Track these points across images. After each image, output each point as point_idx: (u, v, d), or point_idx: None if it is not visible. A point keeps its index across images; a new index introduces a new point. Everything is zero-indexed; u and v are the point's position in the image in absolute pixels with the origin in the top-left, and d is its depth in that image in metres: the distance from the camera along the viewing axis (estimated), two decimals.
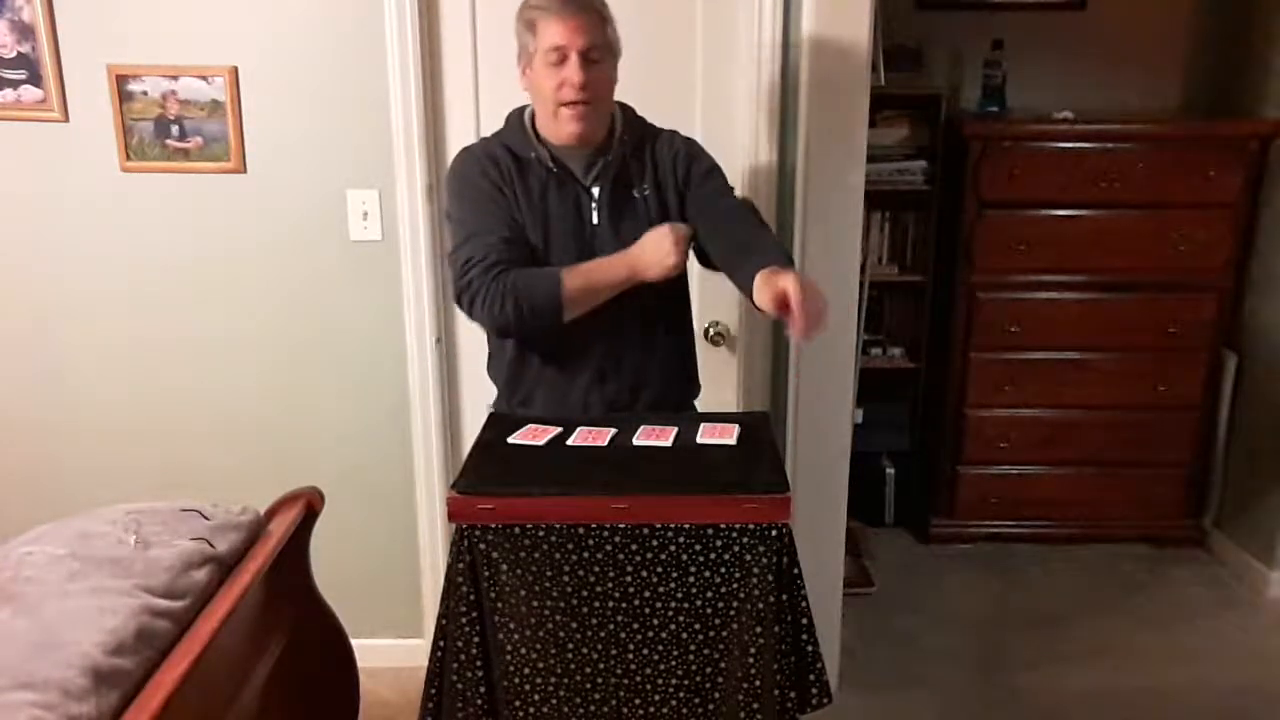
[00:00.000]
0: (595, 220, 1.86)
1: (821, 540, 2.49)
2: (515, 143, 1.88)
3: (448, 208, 1.92)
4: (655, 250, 1.77)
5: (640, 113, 1.96)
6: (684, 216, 1.89)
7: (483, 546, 1.52)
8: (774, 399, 2.54)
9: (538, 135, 1.87)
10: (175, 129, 2.37)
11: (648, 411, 1.88)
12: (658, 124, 1.97)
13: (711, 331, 2.49)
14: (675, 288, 1.92)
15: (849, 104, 2.30)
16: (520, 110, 1.92)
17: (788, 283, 1.54)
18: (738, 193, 2.03)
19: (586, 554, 1.51)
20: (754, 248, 1.79)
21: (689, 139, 1.98)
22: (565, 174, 1.86)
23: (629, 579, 1.52)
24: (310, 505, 1.96)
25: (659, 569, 1.51)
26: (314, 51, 2.34)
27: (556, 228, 1.85)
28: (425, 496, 2.62)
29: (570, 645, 1.55)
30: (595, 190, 1.87)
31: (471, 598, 1.53)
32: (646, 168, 1.90)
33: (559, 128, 1.82)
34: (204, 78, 2.34)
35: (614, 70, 1.85)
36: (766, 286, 1.60)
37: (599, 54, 1.77)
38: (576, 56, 1.74)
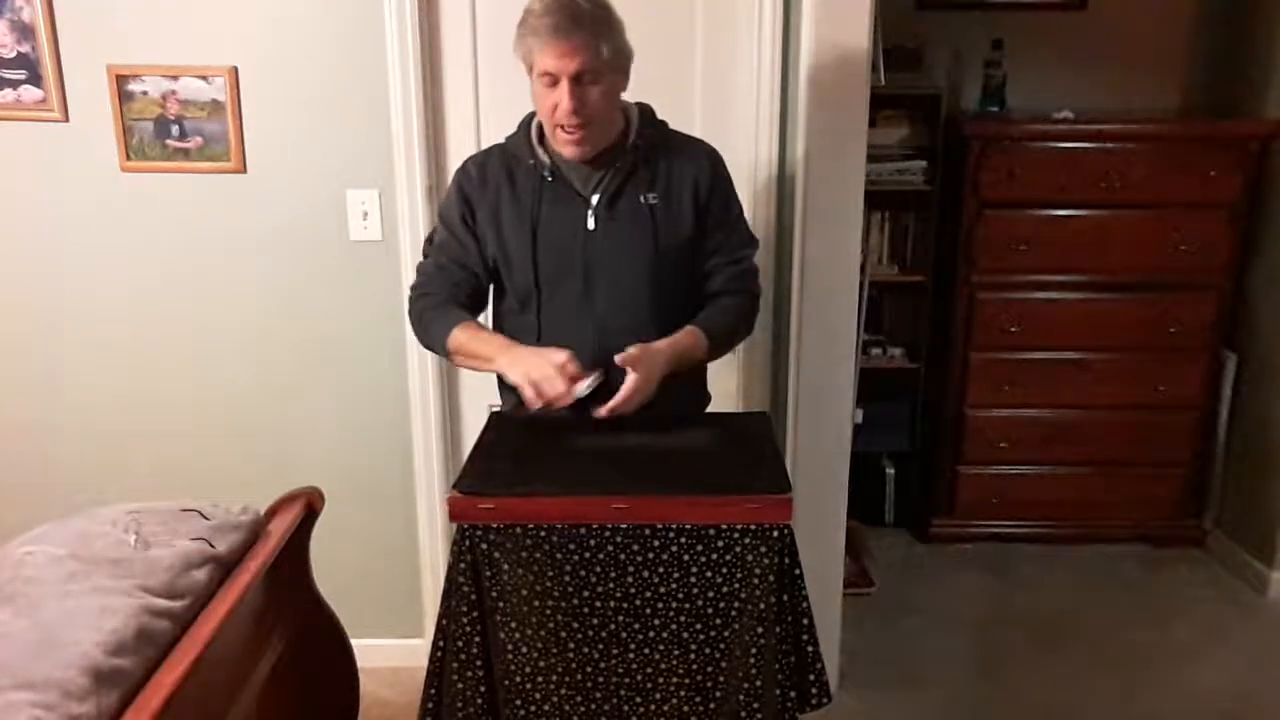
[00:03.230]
0: (591, 226, 1.83)
1: (821, 540, 2.49)
2: (516, 149, 1.87)
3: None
4: (522, 374, 1.67)
5: None
6: (696, 233, 1.87)
7: (484, 546, 1.52)
8: (774, 399, 2.54)
9: (542, 140, 1.85)
10: (175, 129, 2.37)
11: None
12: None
13: None
14: (669, 305, 1.86)
15: (849, 104, 2.30)
16: (531, 114, 1.89)
17: (630, 371, 1.67)
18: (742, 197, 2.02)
19: (587, 554, 1.51)
20: (701, 314, 1.88)
21: (715, 158, 1.92)
22: (562, 183, 1.84)
23: (630, 579, 1.52)
24: (310, 505, 1.96)
25: (660, 569, 1.51)
26: (314, 51, 2.34)
27: (547, 233, 1.83)
28: (425, 496, 2.62)
29: (571, 645, 1.55)
30: (594, 198, 1.83)
31: (472, 598, 1.53)
32: (659, 175, 1.85)
33: (557, 145, 1.80)
34: (204, 78, 2.34)
35: (617, 83, 1.79)
36: (632, 352, 1.69)
37: (592, 76, 1.71)
38: (567, 82, 1.69)
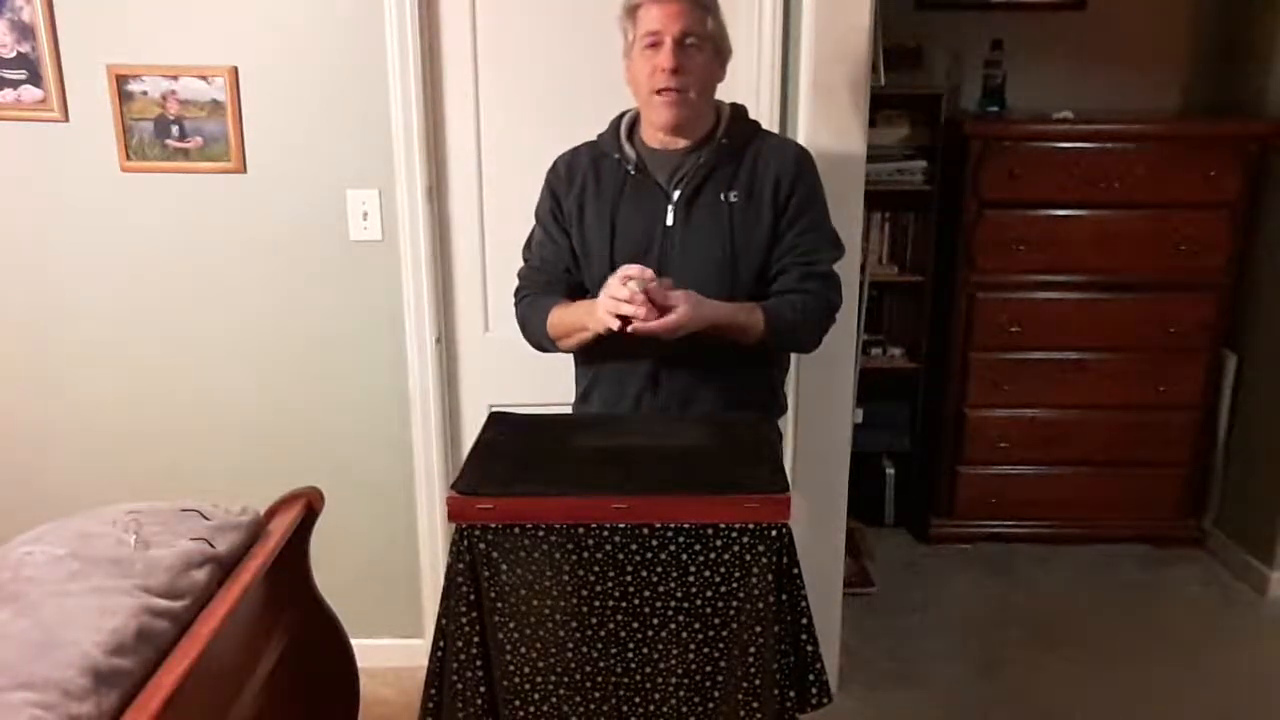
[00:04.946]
0: (669, 222, 1.82)
1: (821, 540, 2.49)
2: (604, 144, 1.89)
3: None
4: (598, 306, 1.71)
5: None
6: (774, 233, 1.84)
7: (482, 546, 1.52)
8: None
9: (631, 137, 1.87)
10: (175, 129, 2.37)
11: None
12: None
13: None
14: None
15: (849, 104, 2.30)
16: (624, 112, 1.91)
17: (678, 303, 1.66)
18: None
19: (586, 554, 1.51)
20: (768, 301, 1.83)
21: (803, 157, 1.90)
22: (645, 175, 1.84)
23: (629, 579, 1.52)
24: (310, 505, 1.96)
25: (659, 569, 1.51)
26: (314, 51, 2.34)
27: (625, 228, 1.83)
28: (425, 496, 2.62)
29: (570, 645, 1.55)
30: (675, 193, 1.83)
31: (471, 598, 1.53)
32: (742, 173, 1.84)
33: (652, 115, 1.81)
34: (204, 78, 2.34)
35: (717, 64, 1.82)
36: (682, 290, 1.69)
37: (697, 41, 1.75)
38: (671, 42, 1.73)
